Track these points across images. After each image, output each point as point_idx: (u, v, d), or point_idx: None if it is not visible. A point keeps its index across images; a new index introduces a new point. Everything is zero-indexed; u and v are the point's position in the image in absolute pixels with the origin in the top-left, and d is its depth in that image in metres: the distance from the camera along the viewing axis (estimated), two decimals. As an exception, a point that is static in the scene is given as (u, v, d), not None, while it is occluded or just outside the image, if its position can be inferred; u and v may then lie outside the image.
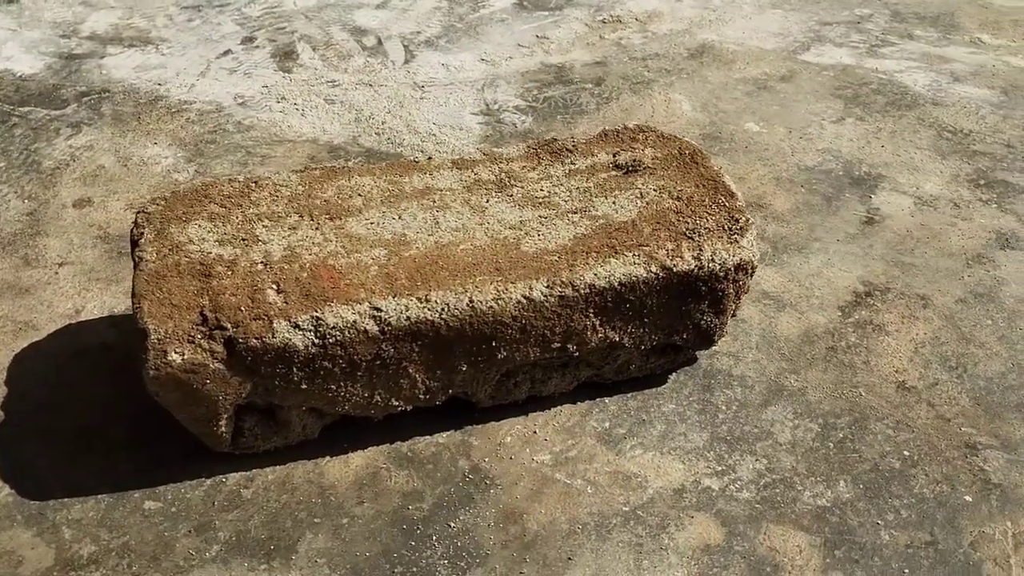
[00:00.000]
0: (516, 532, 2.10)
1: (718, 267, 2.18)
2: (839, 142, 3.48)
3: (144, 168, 3.25)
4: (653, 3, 4.53)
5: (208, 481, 2.19)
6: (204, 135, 3.45)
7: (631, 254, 2.16)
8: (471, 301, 2.04)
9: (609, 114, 3.63)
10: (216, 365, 1.95)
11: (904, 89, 3.83)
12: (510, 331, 2.10)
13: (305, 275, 2.07)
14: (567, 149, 2.50)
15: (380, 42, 4.14)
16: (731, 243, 2.20)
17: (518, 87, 3.81)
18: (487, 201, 2.32)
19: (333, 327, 1.97)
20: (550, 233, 2.22)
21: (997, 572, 2.04)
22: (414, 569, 2.02)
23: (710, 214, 2.27)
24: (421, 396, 2.19)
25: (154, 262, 2.09)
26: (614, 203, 2.31)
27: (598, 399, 2.41)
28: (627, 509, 2.15)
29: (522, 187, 2.37)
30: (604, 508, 2.16)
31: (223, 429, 2.09)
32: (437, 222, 2.24)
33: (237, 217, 2.23)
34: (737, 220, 2.25)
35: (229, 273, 2.06)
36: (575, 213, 2.28)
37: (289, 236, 2.18)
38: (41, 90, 3.71)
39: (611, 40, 4.20)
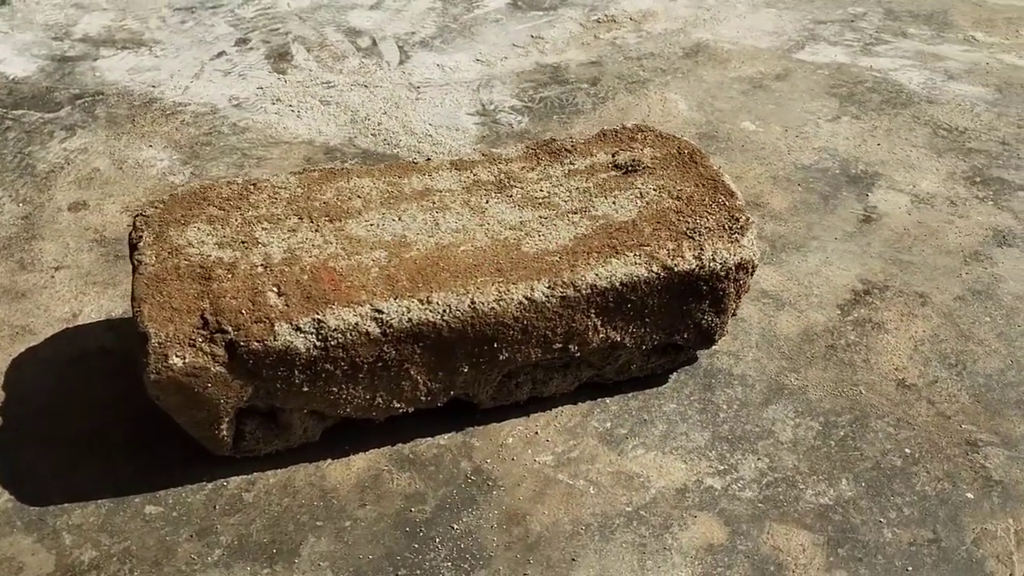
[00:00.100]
0: (519, 533, 2.09)
1: (719, 266, 2.18)
2: (835, 140, 3.48)
3: (139, 171, 3.24)
4: (647, 2, 4.53)
5: (209, 485, 2.18)
6: (199, 137, 3.44)
7: (632, 254, 2.15)
8: (473, 302, 2.04)
9: (605, 114, 3.63)
10: (217, 368, 1.94)
11: (899, 87, 3.84)
12: (512, 332, 2.10)
13: (306, 277, 2.06)
14: (566, 149, 2.50)
15: (375, 43, 4.13)
16: (732, 242, 2.20)
17: (514, 87, 3.80)
18: (487, 202, 2.31)
19: (335, 329, 1.97)
20: (550, 234, 2.21)
21: (1000, 569, 2.04)
22: (418, 572, 2.01)
23: (710, 213, 2.27)
24: (422, 398, 2.19)
25: (153, 265, 2.07)
26: (614, 203, 2.31)
27: (599, 399, 2.41)
28: (630, 509, 2.15)
29: (522, 188, 2.36)
30: (607, 508, 2.15)
31: (224, 433, 2.08)
32: (437, 223, 2.24)
33: (236, 219, 2.22)
34: (737, 219, 2.25)
35: (229, 276, 2.05)
36: (575, 213, 2.28)
37: (289, 238, 2.17)
38: (34, 93, 3.69)
39: (606, 40, 4.20)
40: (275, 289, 2.03)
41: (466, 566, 2.03)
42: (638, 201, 2.31)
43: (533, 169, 2.43)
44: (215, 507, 2.13)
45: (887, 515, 2.15)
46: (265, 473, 2.20)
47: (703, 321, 2.29)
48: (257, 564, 2.02)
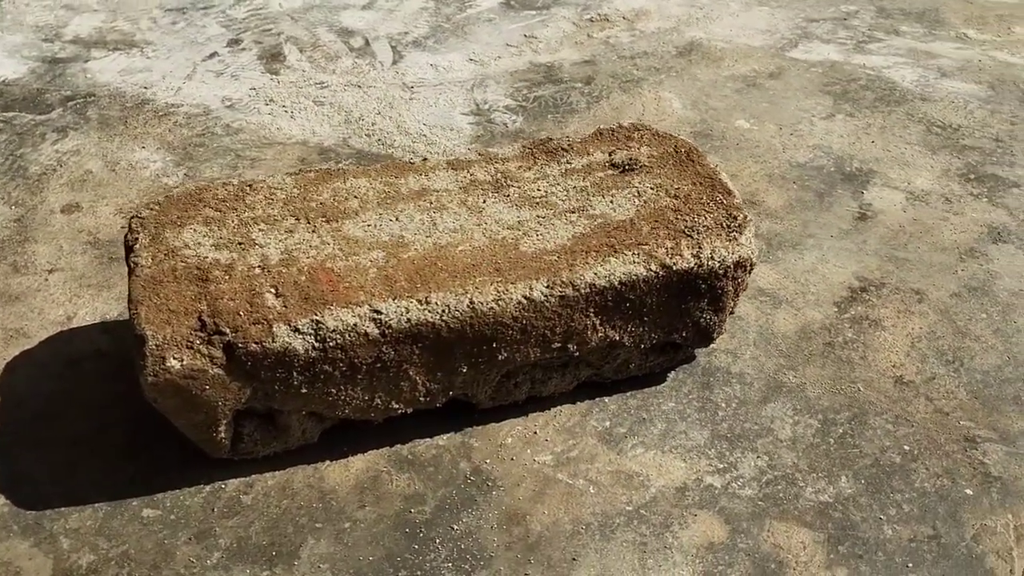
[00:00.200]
0: (519, 533, 2.09)
1: (718, 264, 2.18)
2: (829, 138, 3.49)
3: (133, 172, 3.22)
4: (640, 1, 4.53)
5: (207, 488, 2.17)
6: (192, 138, 3.42)
7: (631, 253, 2.15)
8: (471, 302, 2.03)
9: (600, 113, 3.63)
10: (215, 370, 1.93)
11: (892, 85, 3.84)
12: (511, 332, 2.09)
13: (303, 278, 2.05)
14: (562, 148, 2.49)
15: (367, 43, 4.12)
16: (730, 240, 2.20)
17: (508, 87, 3.80)
18: (484, 202, 2.30)
19: (333, 330, 1.96)
20: (548, 233, 2.21)
21: (1000, 565, 2.05)
22: (418, 573, 2.00)
23: (708, 211, 2.26)
24: (421, 398, 2.18)
25: (150, 267, 2.06)
26: (612, 202, 2.30)
27: (598, 399, 2.40)
28: (630, 508, 2.15)
29: (519, 187, 2.35)
30: (607, 508, 2.15)
31: (222, 435, 2.07)
32: (435, 223, 2.23)
33: (232, 221, 2.21)
34: (735, 217, 2.25)
35: (226, 277, 2.04)
36: (573, 212, 2.27)
37: (286, 239, 2.16)
38: (25, 95, 3.67)
39: (599, 39, 4.20)
40: (273, 290, 2.02)
41: (467, 567, 2.02)
42: (636, 200, 2.31)
43: (530, 168, 2.42)
44: (213, 510, 2.12)
45: (887, 512, 2.16)
46: (263, 475, 2.19)
47: (701, 319, 2.29)
48: (257, 566, 2.01)
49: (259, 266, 2.08)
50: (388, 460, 2.24)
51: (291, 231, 2.18)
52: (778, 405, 2.41)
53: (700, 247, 2.18)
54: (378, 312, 1.99)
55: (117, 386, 2.37)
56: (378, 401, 2.13)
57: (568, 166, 2.43)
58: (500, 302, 2.04)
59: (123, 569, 1.99)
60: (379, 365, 2.05)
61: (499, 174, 2.40)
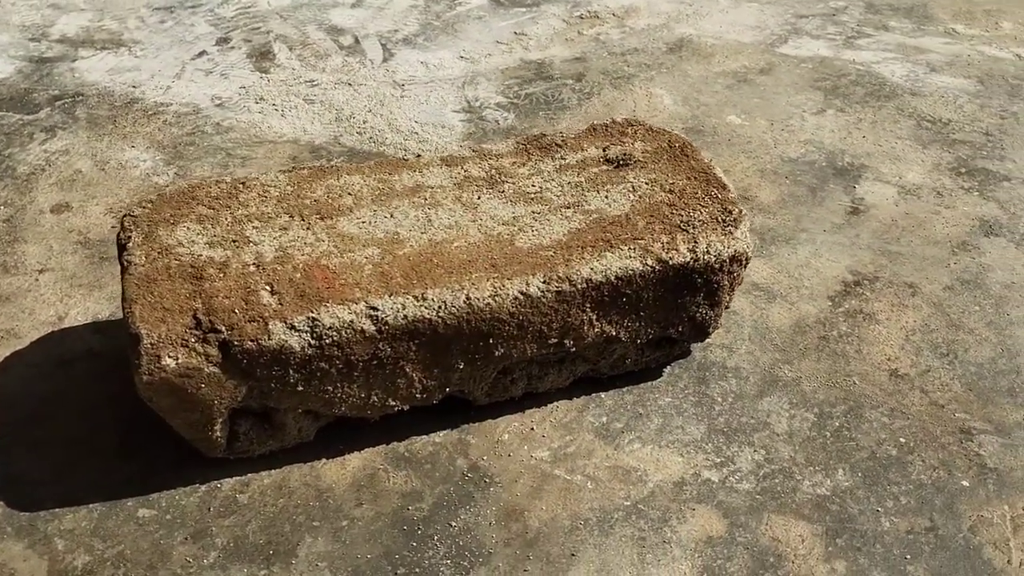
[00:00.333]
0: (518, 530, 2.08)
1: (713, 259, 2.18)
2: (821, 133, 3.50)
3: (122, 172, 3.20)
4: (629, -2, 4.53)
5: (203, 487, 2.15)
6: (182, 137, 3.40)
7: (626, 248, 2.15)
8: (468, 298, 2.02)
9: (591, 110, 3.62)
10: (211, 369, 1.92)
11: (882, 80, 3.85)
12: (507, 328, 2.08)
13: (299, 276, 2.04)
14: (556, 144, 2.49)
15: (357, 41, 4.10)
16: (725, 235, 2.20)
17: (499, 84, 3.79)
18: (479, 198, 2.30)
19: (330, 327, 1.95)
20: (544, 228, 2.20)
21: (997, 556, 2.05)
22: (417, 570, 2.00)
23: (703, 206, 2.26)
24: (418, 395, 2.17)
25: (143, 266, 2.04)
26: (606, 197, 2.30)
27: (594, 394, 2.40)
28: (628, 503, 2.15)
29: (513, 183, 2.35)
30: (605, 503, 2.14)
31: (218, 434, 2.05)
32: (430, 220, 2.22)
33: (226, 218, 2.19)
34: (730, 211, 2.25)
35: (221, 275, 2.03)
36: (568, 208, 2.27)
37: (280, 237, 2.15)
38: (12, 94, 3.64)
39: (589, 36, 4.20)
40: (268, 288, 2.00)
41: (465, 563, 2.01)
42: (631, 195, 2.31)
43: (524, 164, 2.42)
44: (209, 509, 2.10)
45: (884, 504, 2.16)
46: (259, 474, 2.18)
47: (697, 314, 2.29)
48: (254, 566, 1.99)
49: (254, 263, 2.06)
50: (385, 457, 2.23)
51: (285, 228, 2.17)
52: (774, 399, 2.41)
53: (696, 241, 2.18)
54: (374, 309, 1.98)
55: (110, 386, 2.35)
56: (375, 398, 2.12)
57: (562, 162, 2.42)
58: (496, 298, 2.04)
59: (119, 570, 1.97)
60: (375, 362, 2.04)
61: (493, 170, 2.39)
